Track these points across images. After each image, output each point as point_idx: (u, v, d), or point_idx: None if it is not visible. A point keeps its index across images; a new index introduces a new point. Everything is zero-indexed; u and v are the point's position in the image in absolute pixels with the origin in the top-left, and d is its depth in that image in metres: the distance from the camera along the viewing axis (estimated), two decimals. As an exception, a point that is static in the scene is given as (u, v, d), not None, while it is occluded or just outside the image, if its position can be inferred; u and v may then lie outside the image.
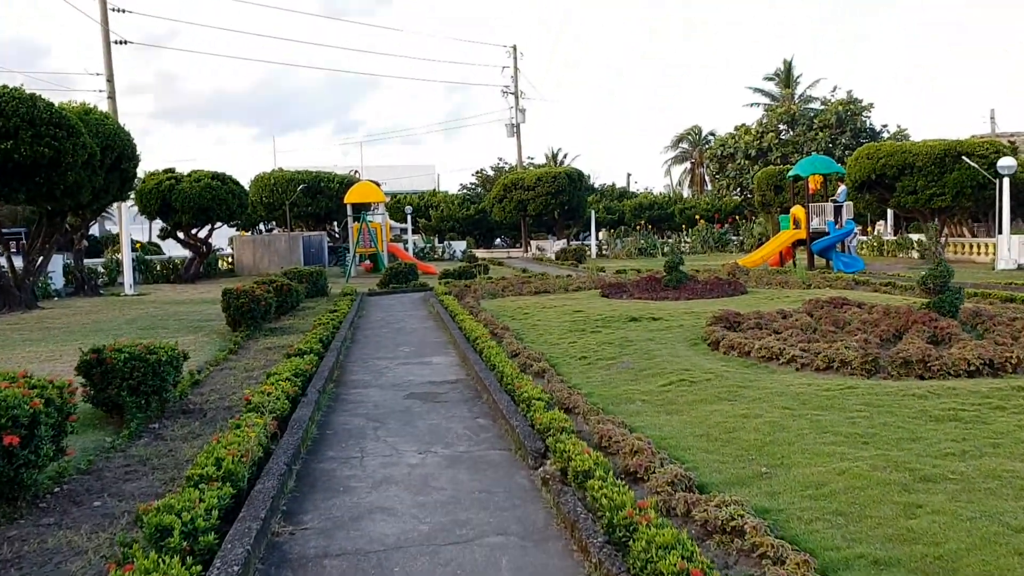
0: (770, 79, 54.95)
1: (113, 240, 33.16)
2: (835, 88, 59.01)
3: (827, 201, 24.42)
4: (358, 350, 11.15)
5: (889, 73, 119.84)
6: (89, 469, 5.57)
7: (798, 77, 53.65)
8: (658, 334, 10.75)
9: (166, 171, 27.09)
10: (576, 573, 3.88)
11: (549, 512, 4.67)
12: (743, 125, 48.55)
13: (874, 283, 16.78)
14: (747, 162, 46.56)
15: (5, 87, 15.10)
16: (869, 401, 6.60)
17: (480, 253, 40.06)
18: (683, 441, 5.69)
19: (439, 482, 5.28)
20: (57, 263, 21.52)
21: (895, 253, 30.54)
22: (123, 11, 28.01)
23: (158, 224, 30.38)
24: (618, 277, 20.30)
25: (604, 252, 38.30)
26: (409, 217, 39.25)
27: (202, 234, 28.07)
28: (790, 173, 25.97)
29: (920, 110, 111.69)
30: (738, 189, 48.05)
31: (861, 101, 45.46)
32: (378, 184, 33.12)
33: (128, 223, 23.64)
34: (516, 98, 47.89)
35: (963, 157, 24.23)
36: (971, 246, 27.28)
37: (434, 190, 56.53)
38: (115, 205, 23.72)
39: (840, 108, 44.86)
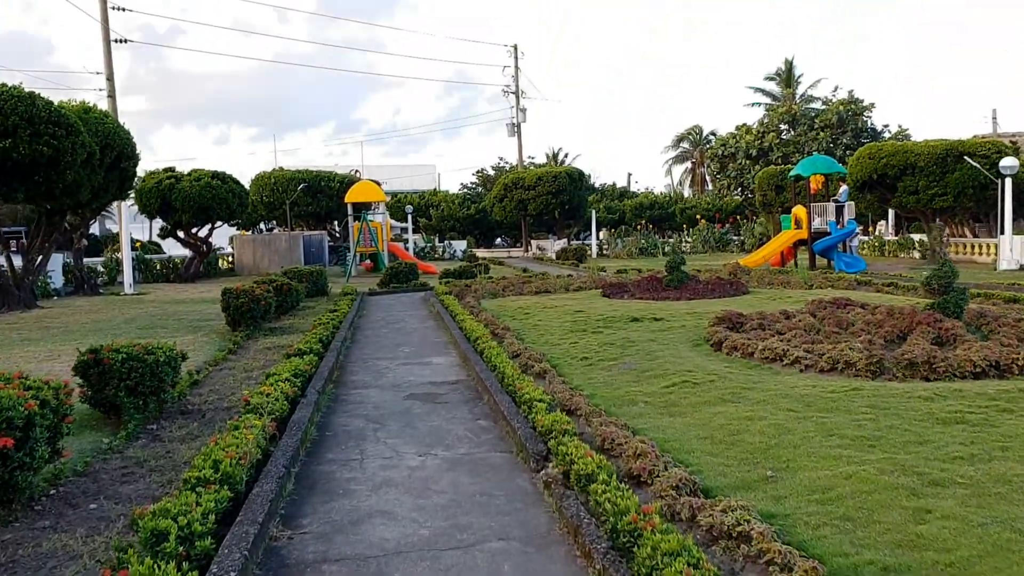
0: (771, 79, 54.84)
1: (113, 239, 33.10)
2: (836, 88, 59.05)
3: (828, 201, 24.30)
4: (358, 350, 11.09)
5: (890, 73, 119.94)
6: (85, 471, 5.50)
7: (799, 77, 53.54)
8: (660, 335, 10.68)
9: (166, 170, 27.04)
10: (579, 579, 3.80)
11: (551, 516, 4.60)
12: (744, 125, 48.49)
13: (876, 283, 16.70)
14: (748, 162, 46.48)
15: (4, 85, 15.02)
16: (875, 403, 6.52)
17: (480, 253, 39.97)
18: (687, 444, 5.62)
19: (440, 485, 5.21)
20: (56, 262, 21.45)
21: (896, 253, 30.47)
22: (123, 10, 27.97)
23: (158, 223, 30.29)
24: (619, 277, 20.23)
25: (605, 252, 38.24)
26: (409, 216, 39.18)
27: (202, 233, 28.00)
28: (791, 173, 25.89)
29: (921, 110, 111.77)
30: (739, 189, 47.97)
31: (862, 101, 45.38)
32: (379, 183, 33.08)
33: (128, 222, 23.57)
34: (517, 98, 47.82)
35: (965, 157, 24.16)
36: (972, 246, 27.20)
37: (435, 189, 56.45)
38: (115, 204, 23.71)
39: (841, 108, 44.78)
